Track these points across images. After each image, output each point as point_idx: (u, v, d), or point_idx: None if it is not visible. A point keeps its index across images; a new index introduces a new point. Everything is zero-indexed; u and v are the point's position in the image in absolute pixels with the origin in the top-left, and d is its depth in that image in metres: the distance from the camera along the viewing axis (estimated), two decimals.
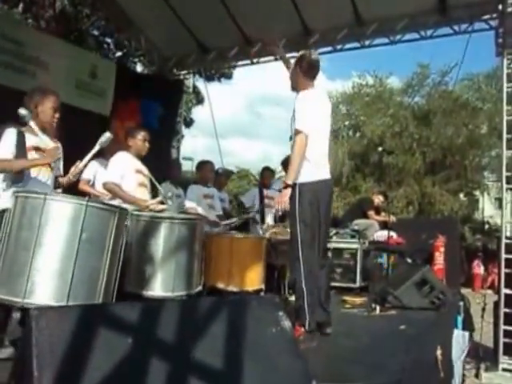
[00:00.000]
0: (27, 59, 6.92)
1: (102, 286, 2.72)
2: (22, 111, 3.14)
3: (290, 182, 3.49)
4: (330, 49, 8.53)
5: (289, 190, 3.49)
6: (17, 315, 3.09)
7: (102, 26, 13.85)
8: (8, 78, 6.59)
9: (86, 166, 3.49)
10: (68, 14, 12.91)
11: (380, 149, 9.47)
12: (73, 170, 3.37)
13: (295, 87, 3.74)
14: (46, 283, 2.56)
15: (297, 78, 3.68)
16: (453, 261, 7.16)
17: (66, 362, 1.64)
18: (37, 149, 3.20)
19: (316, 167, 3.56)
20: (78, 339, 1.71)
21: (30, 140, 3.18)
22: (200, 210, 5.07)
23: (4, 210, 2.92)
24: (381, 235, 6.79)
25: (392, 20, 7.63)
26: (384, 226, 6.84)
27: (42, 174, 3.22)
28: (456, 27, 7.52)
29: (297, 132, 3.45)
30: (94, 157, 3.56)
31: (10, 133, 3.13)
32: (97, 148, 3.36)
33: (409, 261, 6.61)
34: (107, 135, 3.36)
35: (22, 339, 1.96)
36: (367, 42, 8.19)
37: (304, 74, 3.64)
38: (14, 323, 3.08)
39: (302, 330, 3.41)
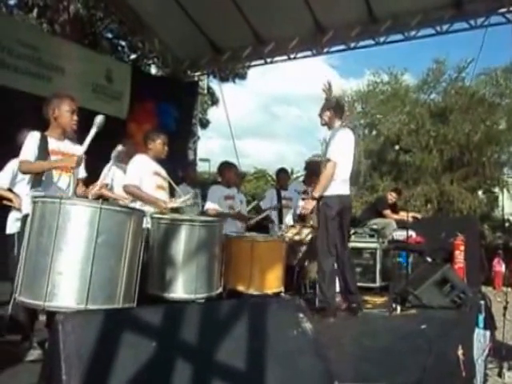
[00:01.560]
0: (43, 64, 7.03)
1: (122, 288, 2.73)
2: (119, 148, 3.30)
3: (316, 196, 4.40)
4: (343, 47, 8.49)
5: (314, 202, 4.42)
6: (43, 318, 3.16)
7: (115, 28, 13.97)
8: (25, 83, 6.70)
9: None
10: (82, 18, 13.03)
11: (396, 147, 9.35)
12: (93, 191, 3.40)
13: (327, 123, 4.67)
14: (65, 286, 2.59)
15: (330, 118, 4.62)
16: (473, 259, 7.06)
17: (92, 366, 1.67)
18: (58, 153, 3.25)
19: (341, 184, 4.47)
20: (104, 343, 1.73)
21: (52, 144, 3.22)
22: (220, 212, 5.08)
23: (27, 215, 2.98)
24: (400, 234, 6.73)
25: (406, 16, 7.56)
26: (402, 224, 6.78)
27: (63, 178, 3.26)
28: (472, 21, 7.44)
29: (329, 160, 4.39)
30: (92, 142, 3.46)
31: (33, 136, 3.17)
32: (93, 131, 3.22)
33: (429, 260, 6.54)
34: (118, 149, 3.37)
35: (50, 343, 1.99)
36: (381, 39, 8.13)
37: (336, 116, 4.63)
38: (41, 325, 3.15)
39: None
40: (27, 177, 3.23)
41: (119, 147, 3.38)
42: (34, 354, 2.95)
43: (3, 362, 2.83)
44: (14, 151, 3.31)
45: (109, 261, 2.69)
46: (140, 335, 1.81)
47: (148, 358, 1.77)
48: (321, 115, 4.70)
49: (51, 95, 3.39)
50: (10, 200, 3.94)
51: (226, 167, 5.56)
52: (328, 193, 4.39)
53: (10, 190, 4.02)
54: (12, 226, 3.88)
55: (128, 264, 2.76)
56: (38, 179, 3.11)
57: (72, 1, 12.77)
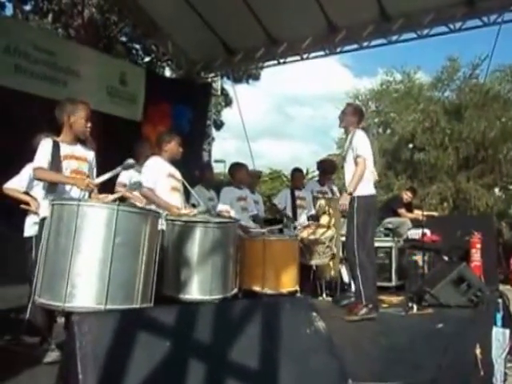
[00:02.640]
0: (59, 69, 7.12)
1: (140, 288, 2.77)
2: (130, 161, 3.33)
3: (351, 190, 4.48)
4: (356, 46, 8.45)
5: (349, 197, 4.49)
6: (61, 319, 3.20)
7: (129, 32, 14.09)
8: (41, 87, 6.79)
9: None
10: (96, 22, 13.18)
11: (411, 145, 9.31)
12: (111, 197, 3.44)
13: (346, 127, 4.86)
14: (84, 287, 2.63)
15: (351, 123, 4.77)
16: (490, 257, 6.98)
17: (108, 365, 1.69)
18: (72, 157, 3.28)
19: (368, 184, 4.59)
20: (119, 343, 1.75)
21: (65, 149, 3.26)
22: (233, 213, 5.08)
23: (44, 218, 3.02)
24: (415, 233, 6.68)
25: (419, 14, 7.49)
26: (417, 223, 6.73)
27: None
28: (485, 18, 7.34)
29: (359, 156, 4.52)
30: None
31: (46, 143, 3.22)
32: (118, 170, 3.37)
33: (445, 258, 6.49)
34: (130, 162, 3.41)
35: (66, 343, 2.01)
36: (394, 38, 8.07)
37: (358, 123, 4.82)
38: (59, 327, 3.19)
39: (360, 305, 4.34)
40: (42, 182, 3.27)
41: (130, 160, 3.40)
42: (53, 355, 2.96)
43: (22, 364, 2.87)
44: (31, 155, 3.36)
45: (126, 261, 2.72)
46: (155, 335, 1.83)
47: (162, 357, 1.79)
48: (342, 115, 4.86)
49: (64, 100, 3.42)
50: (27, 203, 4.00)
51: (235, 168, 5.55)
52: (357, 193, 4.49)
53: (26, 193, 4.09)
54: (30, 229, 3.94)
55: (145, 264, 2.79)
56: (55, 186, 3.16)
57: (86, 5, 12.94)
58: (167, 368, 1.77)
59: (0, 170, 4.39)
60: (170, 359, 1.79)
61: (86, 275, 2.63)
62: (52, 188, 3.15)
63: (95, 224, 2.70)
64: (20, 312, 3.79)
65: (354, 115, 4.82)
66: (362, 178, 4.50)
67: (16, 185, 4.16)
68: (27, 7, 13.24)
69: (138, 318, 1.95)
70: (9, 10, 12.88)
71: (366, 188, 4.57)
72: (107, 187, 3.65)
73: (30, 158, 3.32)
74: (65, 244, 2.66)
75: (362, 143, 4.62)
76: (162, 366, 1.76)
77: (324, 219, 5.81)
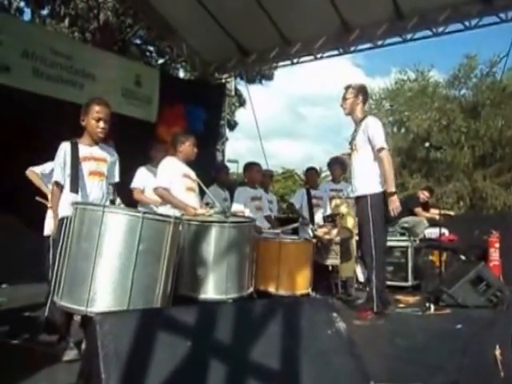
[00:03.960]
0: (75, 71, 7.21)
1: (160, 293, 2.79)
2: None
3: (394, 190, 4.34)
4: (370, 45, 8.39)
5: (396, 196, 4.33)
6: (77, 318, 3.23)
7: (144, 34, 14.20)
8: (58, 90, 6.89)
9: None
10: (111, 25, 13.30)
11: (427, 144, 9.22)
12: None
13: (352, 113, 4.60)
14: (106, 292, 2.65)
15: (356, 106, 4.55)
16: (509, 257, 6.88)
17: (130, 365, 1.69)
18: (91, 158, 3.32)
19: (380, 179, 4.38)
20: (140, 342, 1.75)
21: (83, 151, 3.30)
22: (247, 213, 5.09)
23: (64, 218, 3.06)
24: (432, 232, 6.63)
25: (434, 12, 7.39)
26: (433, 222, 6.68)
27: (96, 183, 3.33)
28: (502, 15, 7.22)
29: (383, 149, 4.30)
30: None
31: (62, 148, 3.26)
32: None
33: (462, 258, 6.42)
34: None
35: (88, 343, 2.04)
36: (408, 36, 7.98)
37: (363, 103, 4.61)
38: (75, 325, 3.23)
39: (370, 312, 4.31)
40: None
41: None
42: (71, 354, 3.01)
43: (41, 362, 2.91)
44: (50, 156, 3.42)
45: (148, 268, 2.74)
46: (176, 335, 1.83)
47: (183, 357, 1.78)
48: (344, 102, 4.63)
49: (85, 103, 3.44)
50: (44, 196, 4.07)
51: (248, 167, 5.56)
52: (370, 191, 4.35)
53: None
54: (49, 227, 3.99)
55: (166, 270, 2.81)
56: (75, 183, 3.19)
57: (102, 9, 13.08)
58: (188, 368, 1.77)
59: (19, 170, 4.49)
60: (191, 359, 1.78)
61: (108, 281, 2.65)
62: (74, 186, 3.18)
63: (119, 230, 2.71)
64: (38, 311, 3.85)
65: (356, 96, 4.56)
66: (391, 172, 4.30)
67: (39, 170, 4.36)
68: (44, 12, 13.44)
69: (159, 317, 1.96)
70: (27, 15, 13.11)
71: (380, 184, 4.38)
72: (122, 191, 3.69)
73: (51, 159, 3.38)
74: (87, 249, 2.68)
75: (380, 132, 4.39)
76: (183, 365, 1.76)
77: (339, 219, 5.79)
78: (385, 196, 4.36)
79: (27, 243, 5.21)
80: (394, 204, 4.31)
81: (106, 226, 2.68)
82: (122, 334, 1.75)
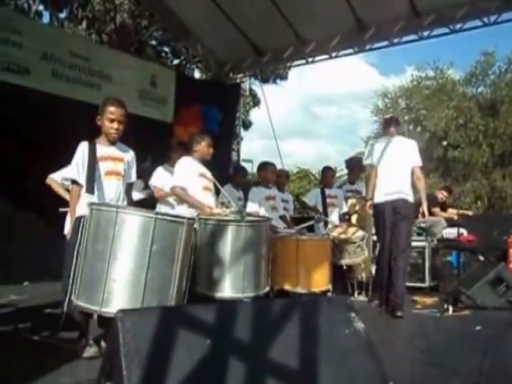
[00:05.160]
0: (93, 73, 7.31)
1: (174, 294, 2.80)
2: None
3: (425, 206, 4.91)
4: (386, 43, 8.32)
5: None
6: (95, 316, 3.27)
7: (159, 35, 14.29)
8: (77, 91, 6.99)
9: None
10: (128, 27, 13.42)
11: (445, 143, 9.16)
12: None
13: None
14: (120, 293, 2.68)
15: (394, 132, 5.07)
16: None
17: (151, 362, 1.70)
18: (108, 158, 3.35)
19: None
20: (161, 340, 1.77)
21: (101, 150, 3.33)
22: (262, 213, 5.09)
23: (81, 217, 3.10)
24: (450, 232, 6.56)
25: (451, 8, 7.30)
26: (451, 222, 6.61)
27: (113, 182, 3.35)
28: None
29: (421, 167, 4.88)
30: None
31: (81, 148, 3.30)
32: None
33: (481, 258, 6.35)
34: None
35: (109, 340, 2.06)
36: (425, 34, 7.89)
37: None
38: (94, 324, 3.26)
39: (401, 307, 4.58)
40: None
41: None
42: (91, 351, 3.03)
43: (61, 359, 2.94)
44: (70, 157, 3.45)
45: (162, 268, 2.75)
46: (195, 332, 1.84)
47: (203, 355, 1.79)
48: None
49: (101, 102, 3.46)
50: (67, 204, 4.13)
51: (262, 167, 5.55)
52: (412, 199, 4.84)
53: (67, 190, 4.24)
54: (68, 226, 4.04)
55: (179, 270, 2.83)
56: (91, 184, 3.21)
57: (118, 11, 13.20)
58: (207, 366, 1.78)
59: (40, 170, 4.56)
60: (210, 357, 1.79)
61: (122, 281, 2.67)
62: (91, 186, 3.20)
63: (133, 231, 2.73)
64: (58, 308, 3.89)
65: (394, 127, 5.10)
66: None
67: (59, 177, 4.38)
68: (62, 15, 13.60)
69: (179, 315, 1.97)
70: (45, 18, 13.28)
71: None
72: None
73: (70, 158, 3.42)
74: (102, 249, 2.70)
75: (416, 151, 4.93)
76: (202, 363, 1.77)
77: (355, 218, 5.77)
78: None
79: (48, 242, 5.30)
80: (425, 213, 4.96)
81: (119, 226, 2.70)
82: (142, 331, 1.76)
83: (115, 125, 3.32)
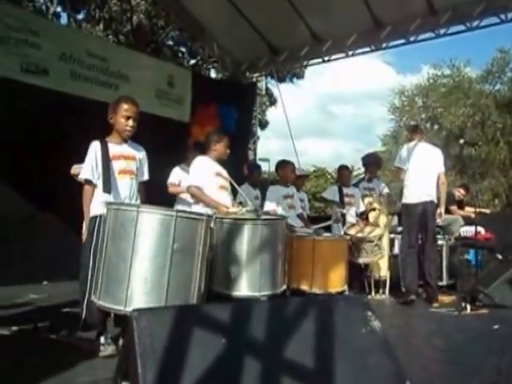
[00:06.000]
0: (110, 73, 7.37)
1: (195, 290, 2.82)
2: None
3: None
4: (402, 41, 8.25)
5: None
6: (112, 315, 3.30)
7: (176, 36, 14.38)
8: (94, 91, 7.05)
9: None
10: (144, 28, 13.52)
11: (461, 141, 9.07)
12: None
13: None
14: (144, 292, 2.69)
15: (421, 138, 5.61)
16: None
17: (166, 361, 1.70)
18: (120, 156, 3.38)
19: None
20: (176, 339, 1.77)
21: (113, 149, 3.35)
22: (280, 212, 5.09)
23: (97, 216, 3.13)
24: (467, 230, 6.50)
25: (468, 5, 7.20)
26: (469, 220, 6.54)
27: (126, 181, 3.38)
28: None
29: (444, 173, 5.51)
30: None
31: (92, 147, 3.33)
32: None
33: (499, 257, 6.26)
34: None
35: (125, 339, 2.08)
36: (442, 31, 7.79)
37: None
38: (112, 323, 3.30)
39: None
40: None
41: None
42: (108, 349, 3.07)
43: (79, 358, 2.99)
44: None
45: (183, 266, 2.77)
46: (211, 331, 1.84)
47: (219, 354, 1.79)
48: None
49: (113, 101, 3.48)
50: None
51: (281, 165, 5.55)
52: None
53: None
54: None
55: (200, 267, 2.84)
56: (107, 183, 3.25)
57: (135, 12, 13.31)
58: (223, 365, 1.78)
59: (59, 169, 4.61)
60: (226, 356, 1.79)
61: (146, 280, 2.68)
62: (106, 186, 3.24)
63: (154, 230, 2.74)
64: (77, 307, 3.95)
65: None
66: None
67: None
68: (80, 16, 13.79)
69: (194, 313, 1.98)
70: (63, 20, 13.47)
71: None
72: (156, 187, 3.75)
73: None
74: (124, 249, 2.71)
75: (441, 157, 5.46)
76: (218, 362, 1.77)
77: (372, 217, 5.74)
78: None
79: (67, 241, 5.37)
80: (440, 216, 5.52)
81: (140, 225, 2.71)
82: (158, 329, 1.77)
83: (130, 122, 3.34)
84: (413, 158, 5.40)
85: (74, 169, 4.27)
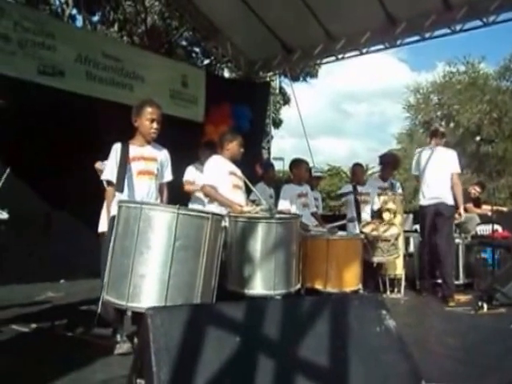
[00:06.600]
0: (125, 74, 7.43)
1: (199, 290, 2.79)
2: None
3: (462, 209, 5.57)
4: (417, 38, 8.14)
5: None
6: (128, 314, 3.34)
7: (189, 36, 14.44)
8: (110, 92, 7.13)
9: None
10: (158, 28, 13.61)
11: (478, 138, 8.95)
12: None
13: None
14: (146, 288, 2.71)
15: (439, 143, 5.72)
16: None
17: (180, 358, 1.72)
18: (140, 158, 3.42)
19: None
20: (190, 337, 1.79)
21: (134, 151, 3.40)
22: (294, 210, 5.08)
23: (114, 216, 3.17)
24: (484, 229, 6.42)
25: (484, 0, 7.09)
26: (485, 219, 6.46)
27: (144, 181, 3.42)
28: None
29: (458, 173, 5.56)
30: None
31: (114, 149, 3.40)
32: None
33: None
34: None
35: (140, 337, 2.10)
36: (458, 27, 7.68)
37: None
38: (128, 321, 3.34)
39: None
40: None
41: None
42: (124, 347, 3.11)
43: (95, 355, 3.03)
44: (105, 156, 3.54)
45: (186, 264, 2.76)
46: (225, 330, 1.86)
47: (232, 352, 1.81)
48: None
49: (136, 104, 3.53)
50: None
51: (295, 164, 5.52)
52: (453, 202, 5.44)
53: None
54: (103, 224, 4.14)
55: (205, 266, 2.82)
56: (120, 183, 3.28)
57: (149, 13, 13.40)
58: (237, 363, 1.79)
59: (76, 170, 4.67)
60: (239, 354, 1.80)
61: (148, 277, 2.70)
62: (120, 186, 3.28)
63: (156, 227, 2.75)
64: (93, 305, 4.00)
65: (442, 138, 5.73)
66: None
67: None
68: (95, 18, 13.94)
69: (209, 312, 2.00)
70: (79, 22, 13.63)
71: None
72: (171, 186, 3.78)
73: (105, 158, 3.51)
74: (128, 246, 2.75)
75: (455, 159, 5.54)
76: (232, 360, 1.78)
77: (386, 216, 5.71)
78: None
79: (84, 240, 5.45)
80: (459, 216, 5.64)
81: (143, 222, 2.73)
82: (172, 328, 1.79)
83: (155, 124, 3.42)
84: (427, 163, 5.63)
85: (99, 164, 4.32)
